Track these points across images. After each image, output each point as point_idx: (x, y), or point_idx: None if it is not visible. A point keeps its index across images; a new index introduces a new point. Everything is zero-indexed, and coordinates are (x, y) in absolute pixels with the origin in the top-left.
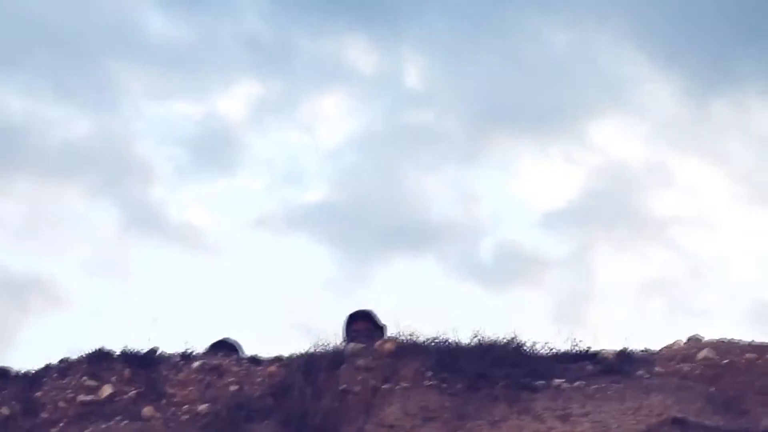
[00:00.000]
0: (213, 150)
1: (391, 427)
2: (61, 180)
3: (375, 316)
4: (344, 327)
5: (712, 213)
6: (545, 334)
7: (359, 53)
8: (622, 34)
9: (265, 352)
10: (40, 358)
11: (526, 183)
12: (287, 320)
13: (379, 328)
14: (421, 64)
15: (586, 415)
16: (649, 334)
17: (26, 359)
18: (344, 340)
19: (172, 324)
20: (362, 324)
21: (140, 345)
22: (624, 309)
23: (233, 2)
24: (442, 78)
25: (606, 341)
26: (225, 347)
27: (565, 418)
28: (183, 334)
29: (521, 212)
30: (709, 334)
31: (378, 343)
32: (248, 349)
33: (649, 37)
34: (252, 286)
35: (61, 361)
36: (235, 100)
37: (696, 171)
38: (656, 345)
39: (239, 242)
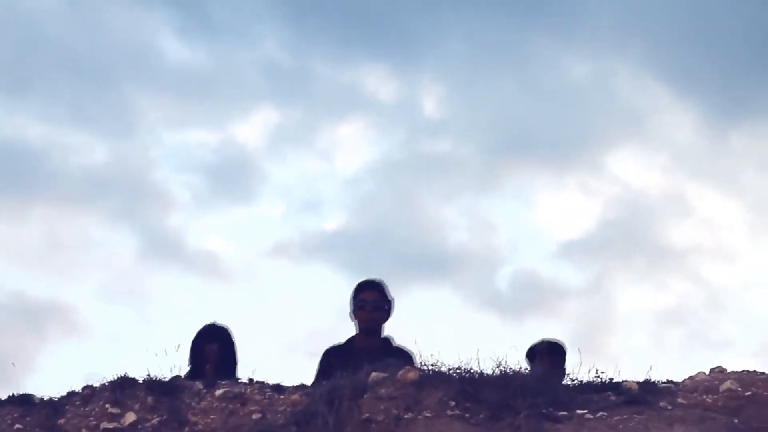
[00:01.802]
0: (231, 178)
1: None
2: (78, 206)
3: (385, 286)
4: (352, 296)
5: (731, 243)
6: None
7: (378, 81)
8: (641, 63)
9: (286, 380)
10: (58, 384)
11: (544, 212)
12: (305, 348)
13: (388, 301)
14: (440, 93)
15: None
16: (669, 364)
17: (44, 386)
18: (351, 311)
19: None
20: (370, 294)
21: (161, 372)
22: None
23: (252, 29)
24: (460, 107)
25: (627, 371)
26: (215, 335)
27: None
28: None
29: (539, 242)
30: (730, 365)
31: (401, 372)
32: (267, 377)
33: (668, 67)
34: (270, 313)
35: (85, 388)
36: (253, 127)
37: (714, 201)
38: (678, 376)
39: (257, 270)
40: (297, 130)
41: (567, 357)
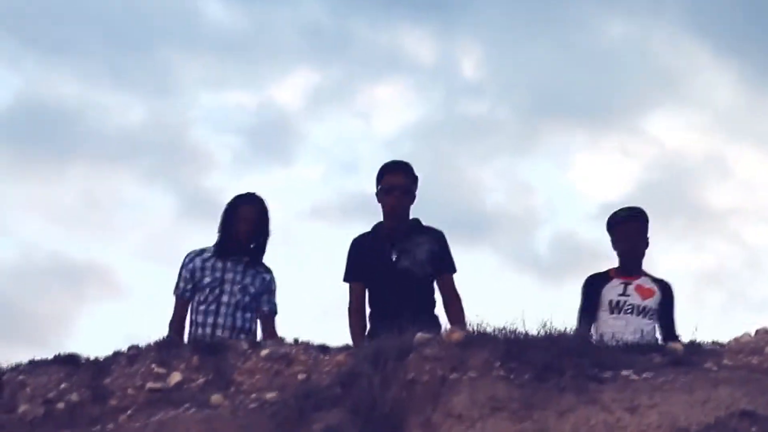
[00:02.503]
0: (269, 139)
1: (459, 417)
2: (116, 166)
3: (411, 167)
4: (377, 178)
5: None
6: None
7: (417, 43)
8: (679, 23)
9: (330, 341)
10: (97, 344)
11: (582, 174)
12: (342, 310)
13: (415, 182)
14: (477, 55)
15: (654, 406)
16: (710, 325)
17: (83, 345)
18: (376, 193)
19: None
20: (397, 177)
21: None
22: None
23: None
24: (498, 68)
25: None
26: (252, 199)
27: (633, 409)
28: None
29: (577, 203)
30: None
31: (446, 333)
32: (312, 336)
33: (707, 26)
34: (308, 275)
35: (130, 348)
36: (291, 88)
37: (754, 162)
38: (721, 337)
39: (296, 231)
40: (336, 91)
41: (648, 224)
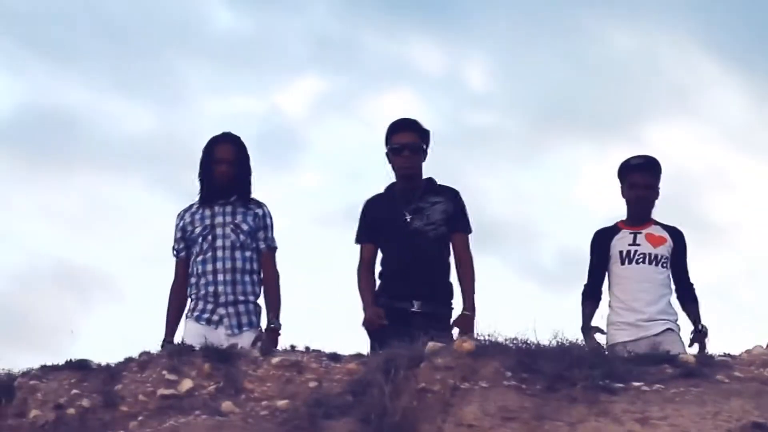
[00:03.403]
0: (275, 146)
1: (470, 426)
2: (122, 173)
3: (420, 124)
4: (386, 137)
5: None
6: None
7: (424, 53)
8: (687, 36)
9: (341, 349)
10: (101, 350)
11: (588, 185)
12: (352, 318)
13: (426, 139)
14: (485, 65)
15: (665, 418)
16: (717, 337)
17: (88, 351)
18: (386, 153)
19: None
20: (406, 135)
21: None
22: None
23: None
24: (505, 79)
25: None
26: (227, 138)
27: (644, 421)
28: None
29: (582, 215)
30: None
31: (457, 342)
32: (322, 344)
33: (716, 40)
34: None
35: (141, 354)
36: (297, 96)
37: (759, 176)
38: (733, 349)
39: (300, 240)
40: (342, 99)
41: (661, 174)
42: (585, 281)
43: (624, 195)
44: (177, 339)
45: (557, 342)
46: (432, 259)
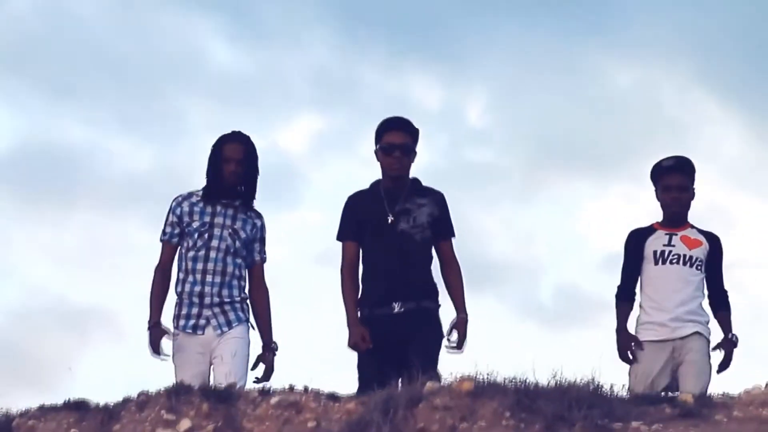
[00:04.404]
0: (274, 183)
1: None
2: (122, 211)
3: (411, 124)
4: (376, 134)
5: None
6: (621, 376)
7: (423, 89)
8: (688, 74)
9: (340, 389)
10: (99, 389)
11: (587, 223)
12: (352, 358)
13: (416, 140)
14: (484, 101)
15: None
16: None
17: (88, 390)
18: (375, 151)
19: None
20: (397, 135)
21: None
22: None
23: (302, 36)
24: (504, 115)
25: None
26: (237, 137)
27: None
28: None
29: (581, 253)
30: None
31: (456, 382)
32: (321, 383)
33: (715, 78)
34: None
35: (140, 394)
36: (297, 133)
37: (760, 214)
38: (732, 389)
39: (301, 277)
40: (341, 136)
41: (695, 174)
42: (618, 282)
43: (658, 198)
44: (167, 350)
45: (556, 382)
46: (416, 262)
